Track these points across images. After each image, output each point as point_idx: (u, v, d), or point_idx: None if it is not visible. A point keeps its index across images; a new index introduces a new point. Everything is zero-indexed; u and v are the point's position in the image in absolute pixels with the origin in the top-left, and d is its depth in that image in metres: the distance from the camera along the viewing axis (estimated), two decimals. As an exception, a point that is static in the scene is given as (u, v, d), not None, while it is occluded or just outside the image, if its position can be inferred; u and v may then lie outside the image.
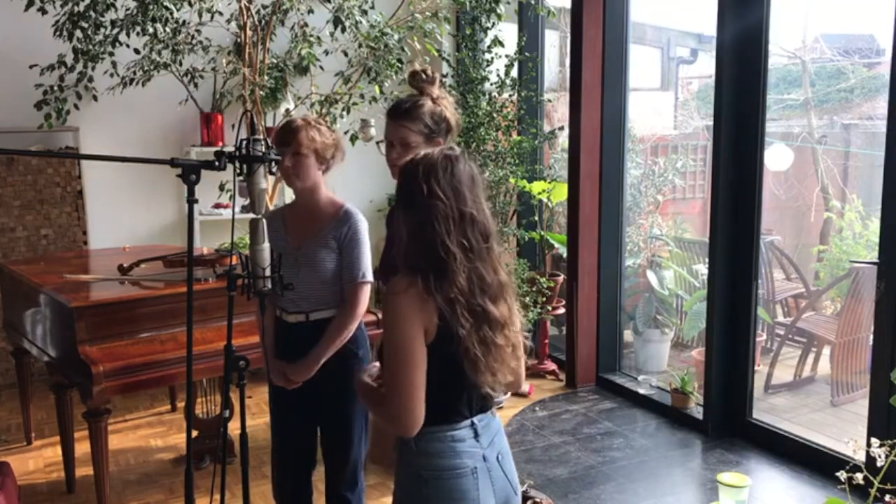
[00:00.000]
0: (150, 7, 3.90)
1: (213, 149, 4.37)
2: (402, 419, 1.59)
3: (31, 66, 4.23)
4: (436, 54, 4.73)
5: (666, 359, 5.11)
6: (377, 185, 5.46)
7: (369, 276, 2.50)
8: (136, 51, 4.26)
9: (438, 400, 1.63)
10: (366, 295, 2.50)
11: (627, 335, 5.13)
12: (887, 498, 2.32)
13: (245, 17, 4.33)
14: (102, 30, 4.08)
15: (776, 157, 5.29)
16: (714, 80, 3.83)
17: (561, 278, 5.05)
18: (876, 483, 2.17)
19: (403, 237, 1.65)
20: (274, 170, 2.11)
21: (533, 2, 4.84)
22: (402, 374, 1.58)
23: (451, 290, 1.59)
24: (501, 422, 1.82)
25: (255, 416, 4.25)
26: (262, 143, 2.01)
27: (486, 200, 1.70)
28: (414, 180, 1.62)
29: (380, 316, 2.98)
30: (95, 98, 4.40)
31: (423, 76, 2.19)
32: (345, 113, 4.47)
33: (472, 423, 1.70)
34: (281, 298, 2.46)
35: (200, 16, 4.24)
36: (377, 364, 1.78)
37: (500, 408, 4.41)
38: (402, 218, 1.65)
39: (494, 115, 4.80)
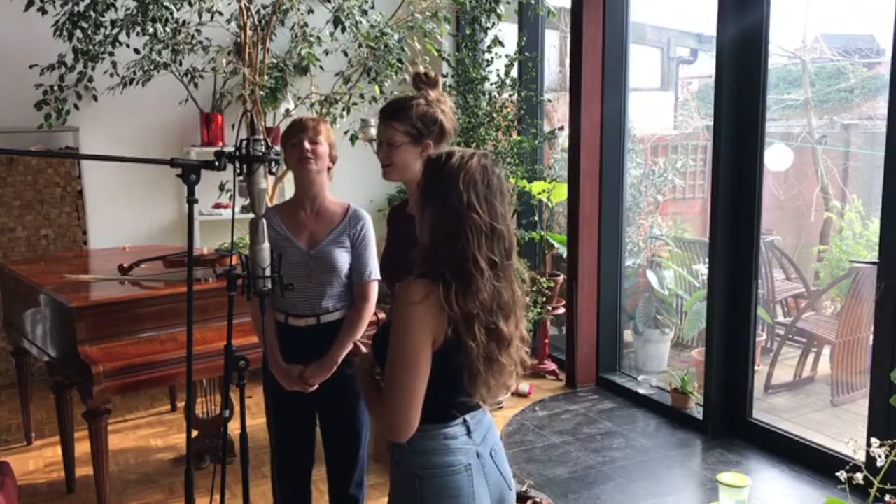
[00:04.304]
0: (150, 7, 3.90)
1: (213, 149, 4.38)
2: (396, 425, 1.59)
3: (31, 66, 4.24)
4: (436, 54, 4.73)
5: (666, 359, 5.10)
6: (377, 185, 5.46)
7: (376, 274, 2.52)
8: (136, 51, 4.26)
9: (432, 400, 1.63)
10: (376, 292, 2.53)
11: (627, 335, 5.13)
12: (887, 498, 2.32)
13: (245, 17, 4.33)
14: (102, 30, 4.08)
15: (776, 157, 5.28)
16: (714, 80, 3.83)
17: (561, 278, 5.05)
18: (876, 483, 2.17)
19: (427, 238, 1.63)
20: (274, 170, 2.11)
21: (533, 2, 4.84)
22: (405, 383, 1.57)
23: (474, 304, 1.57)
24: (492, 418, 1.83)
25: (255, 416, 4.25)
26: (262, 143, 2.01)
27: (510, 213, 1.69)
28: (452, 185, 1.59)
29: (381, 316, 2.98)
30: (95, 98, 4.41)
31: (423, 78, 2.19)
32: (345, 113, 4.47)
33: (465, 421, 1.70)
34: (288, 302, 2.45)
35: (200, 16, 4.24)
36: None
37: (500, 408, 4.41)
38: (430, 218, 1.62)
39: (494, 115, 4.80)
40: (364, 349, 1.83)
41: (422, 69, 2.28)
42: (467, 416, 1.70)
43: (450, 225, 1.59)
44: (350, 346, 2.47)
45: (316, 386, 2.46)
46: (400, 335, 1.57)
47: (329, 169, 2.52)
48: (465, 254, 1.57)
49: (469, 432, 1.70)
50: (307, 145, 2.43)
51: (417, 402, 1.58)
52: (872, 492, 2.22)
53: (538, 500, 3.08)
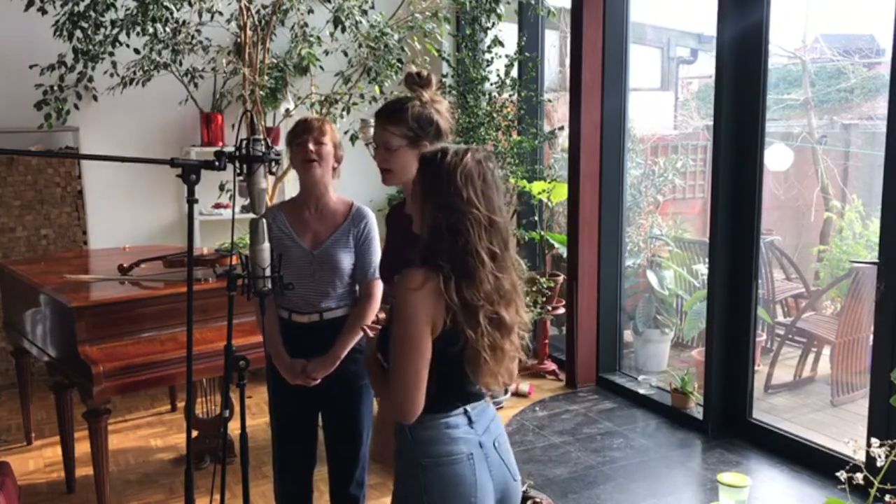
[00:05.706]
0: (150, 7, 3.90)
1: (213, 149, 4.37)
2: (403, 407, 1.65)
3: (31, 66, 4.23)
4: (436, 54, 4.73)
5: (666, 359, 5.10)
6: (377, 186, 5.43)
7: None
8: (136, 51, 4.26)
9: (433, 390, 1.67)
10: (381, 290, 2.53)
11: (627, 335, 5.13)
12: (887, 498, 2.32)
13: (245, 17, 4.33)
14: (102, 30, 4.08)
15: (776, 157, 5.28)
16: (714, 80, 3.83)
17: (561, 278, 5.05)
18: (876, 483, 2.17)
19: (426, 233, 1.68)
20: (274, 170, 2.11)
21: (533, 2, 4.84)
22: (409, 366, 1.63)
23: (477, 296, 1.63)
24: (495, 410, 1.87)
25: (255, 416, 4.25)
26: (262, 143, 2.01)
27: (507, 205, 1.75)
28: (450, 182, 1.64)
29: (381, 316, 2.97)
30: (95, 98, 4.40)
31: (416, 78, 2.15)
32: (345, 113, 4.47)
33: (466, 411, 1.74)
34: (291, 299, 2.46)
35: (200, 16, 4.24)
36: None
37: (500, 407, 4.40)
38: (429, 215, 1.67)
39: (494, 115, 4.79)
40: (371, 333, 1.86)
41: (414, 69, 2.26)
42: (468, 407, 1.74)
43: (450, 221, 1.64)
44: (352, 344, 2.49)
45: (319, 380, 2.46)
46: (402, 319, 1.63)
47: (335, 169, 2.53)
48: (467, 247, 1.63)
49: (471, 422, 1.74)
50: (311, 146, 2.43)
51: (421, 384, 1.64)
52: (872, 492, 2.22)
53: (538, 500, 3.08)
